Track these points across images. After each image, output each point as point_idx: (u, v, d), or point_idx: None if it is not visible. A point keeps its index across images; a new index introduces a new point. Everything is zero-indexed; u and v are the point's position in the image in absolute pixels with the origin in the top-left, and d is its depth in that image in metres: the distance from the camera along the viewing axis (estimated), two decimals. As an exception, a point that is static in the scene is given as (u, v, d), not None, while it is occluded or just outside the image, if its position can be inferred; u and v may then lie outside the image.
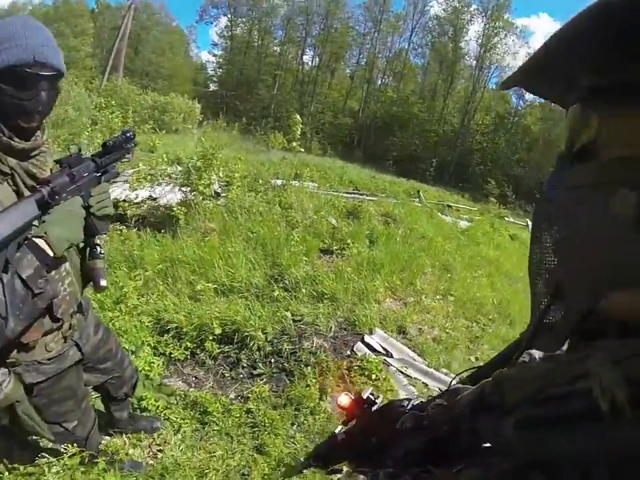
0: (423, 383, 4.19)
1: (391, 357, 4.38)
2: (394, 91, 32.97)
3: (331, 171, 12.72)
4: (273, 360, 3.88)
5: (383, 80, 34.49)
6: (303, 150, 9.85)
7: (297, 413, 3.33)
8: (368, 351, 4.25)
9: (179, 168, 7.11)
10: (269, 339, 3.98)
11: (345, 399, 1.00)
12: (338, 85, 35.98)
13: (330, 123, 30.31)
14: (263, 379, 3.65)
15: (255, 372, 3.74)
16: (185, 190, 6.47)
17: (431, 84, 33.08)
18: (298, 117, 9.62)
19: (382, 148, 27.53)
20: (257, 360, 3.83)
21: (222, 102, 36.03)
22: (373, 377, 3.83)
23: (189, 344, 3.79)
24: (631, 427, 0.35)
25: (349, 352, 4.21)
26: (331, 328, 4.39)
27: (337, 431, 1.00)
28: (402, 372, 4.20)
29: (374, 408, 0.94)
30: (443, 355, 4.73)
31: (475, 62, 33.05)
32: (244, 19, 39.48)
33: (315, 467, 1.13)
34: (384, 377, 3.88)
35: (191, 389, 3.46)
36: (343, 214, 7.75)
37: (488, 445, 0.55)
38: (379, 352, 4.37)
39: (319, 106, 31.86)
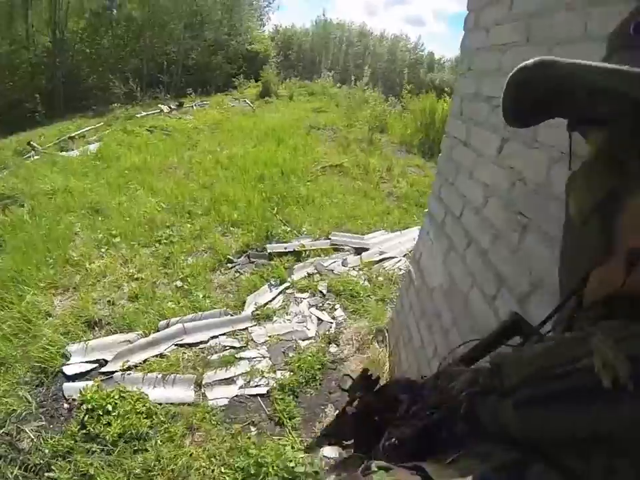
0: (154, 357, 3.38)
1: (106, 362, 3.33)
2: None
3: None
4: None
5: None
6: None
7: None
8: (81, 384, 3.07)
9: None
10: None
11: (348, 379, 0.99)
12: None
13: None
14: None
15: None
16: None
17: (5, 8, 25.82)
18: None
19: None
20: None
21: None
22: (109, 407, 2.85)
23: None
24: (633, 404, 0.34)
25: (66, 405, 2.99)
26: (26, 399, 3.00)
27: (347, 409, 0.98)
28: (128, 368, 3.27)
29: (376, 387, 0.93)
30: (149, 309, 3.86)
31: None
32: None
33: (329, 443, 1.07)
34: (117, 395, 2.91)
35: None
36: None
37: (484, 433, 0.50)
38: (92, 370, 3.27)
39: None
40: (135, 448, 2.66)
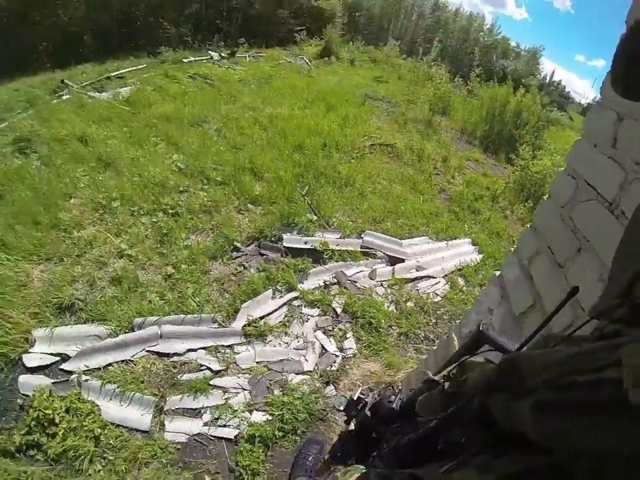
0: (120, 362, 2.76)
1: (68, 358, 2.76)
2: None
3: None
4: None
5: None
6: None
7: None
8: (37, 381, 2.60)
9: None
10: None
11: (342, 402, 1.10)
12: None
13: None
14: None
15: None
16: None
17: None
18: None
19: (26, 47, 21.66)
20: None
21: None
22: (56, 419, 2.31)
23: None
24: None
25: (20, 400, 2.51)
26: None
27: (344, 430, 1.08)
28: (86, 372, 2.68)
29: (367, 406, 0.95)
30: (129, 299, 3.19)
31: None
32: None
33: (336, 464, 1.05)
34: (65, 406, 2.37)
35: None
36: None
37: (482, 438, 0.52)
38: (53, 363, 2.74)
39: None
40: (78, 468, 2.22)
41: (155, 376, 2.72)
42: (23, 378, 2.62)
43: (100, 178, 4.72)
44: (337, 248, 3.90)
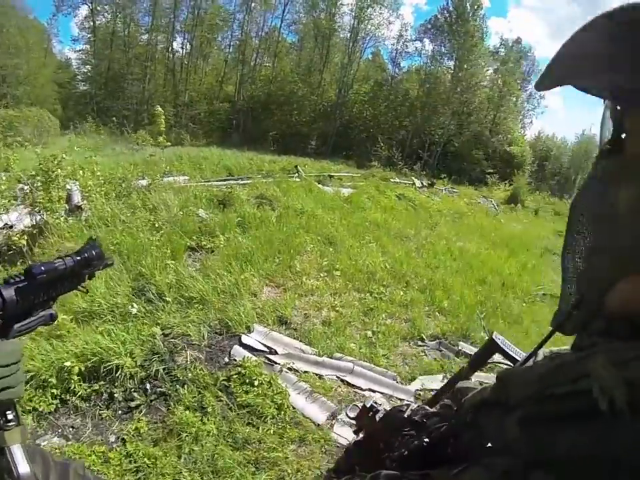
0: (315, 374, 3.81)
1: (275, 353, 3.96)
2: (267, 69, 32.76)
3: (207, 161, 12.40)
4: (148, 386, 3.34)
5: (258, 60, 33.47)
6: (169, 144, 9.20)
7: (180, 443, 2.87)
8: (247, 354, 3.79)
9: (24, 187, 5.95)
10: (139, 363, 3.42)
11: (353, 411, 1.02)
12: (213, 70, 34.45)
13: (206, 111, 29.48)
14: (141, 410, 3.13)
15: (132, 404, 3.20)
16: (31, 211, 5.51)
17: (307, 60, 33.07)
18: (159, 109, 8.97)
19: (261, 129, 27.17)
20: (132, 390, 3.27)
21: (91, 102, 32.40)
22: (255, 382, 3.38)
23: (54, 391, 3.10)
24: (629, 429, 0.35)
25: (226, 359, 3.75)
26: (203, 335, 3.93)
27: (351, 442, 1.02)
28: (290, 368, 3.79)
29: (378, 415, 0.95)
30: (335, 338, 4.37)
31: (349, 34, 32.60)
32: (106, 7, 34.39)
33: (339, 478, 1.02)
34: (267, 379, 3.45)
35: (68, 442, 2.86)
36: (214, 204, 7.18)
37: (489, 445, 0.52)
38: (262, 351, 3.96)
39: (194, 94, 30.54)
40: (250, 422, 3.08)
41: (338, 395, 3.67)
42: (238, 348, 3.86)
43: (328, 249, 6.42)
44: (500, 362, 4.76)
